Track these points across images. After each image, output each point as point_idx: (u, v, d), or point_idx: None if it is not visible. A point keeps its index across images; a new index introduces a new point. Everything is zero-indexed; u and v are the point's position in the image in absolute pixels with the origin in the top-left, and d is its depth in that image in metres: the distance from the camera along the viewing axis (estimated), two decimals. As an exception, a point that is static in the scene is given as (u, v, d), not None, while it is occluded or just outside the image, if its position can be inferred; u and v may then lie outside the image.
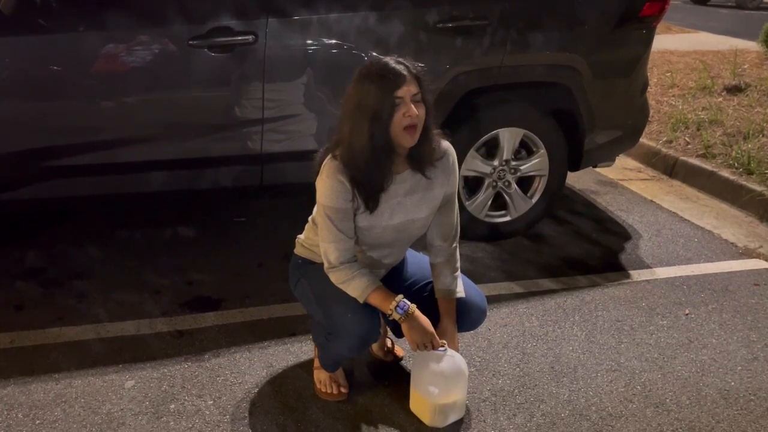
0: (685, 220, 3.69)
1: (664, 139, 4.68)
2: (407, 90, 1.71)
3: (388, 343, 2.33)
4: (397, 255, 2.05)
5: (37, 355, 2.25)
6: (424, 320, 1.84)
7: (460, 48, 2.86)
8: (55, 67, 2.41)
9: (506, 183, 3.19)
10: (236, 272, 2.86)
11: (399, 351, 2.33)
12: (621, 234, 3.47)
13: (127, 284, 2.72)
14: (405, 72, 1.71)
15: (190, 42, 2.47)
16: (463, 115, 2.98)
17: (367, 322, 1.85)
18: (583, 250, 3.26)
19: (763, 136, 4.55)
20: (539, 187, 3.27)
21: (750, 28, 9.47)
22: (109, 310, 2.53)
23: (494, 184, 3.18)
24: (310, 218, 2.02)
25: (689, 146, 4.50)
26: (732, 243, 3.41)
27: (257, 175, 2.76)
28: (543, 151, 3.18)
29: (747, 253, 3.31)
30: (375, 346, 2.31)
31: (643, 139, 4.39)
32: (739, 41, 8.56)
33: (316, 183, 1.84)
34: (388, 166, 1.80)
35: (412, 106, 1.71)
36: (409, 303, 1.83)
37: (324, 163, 1.82)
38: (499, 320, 2.59)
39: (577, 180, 4.16)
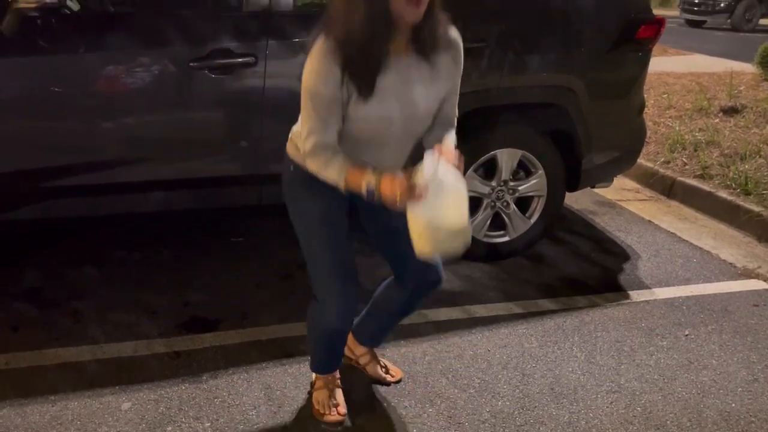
0: (684, 240, 3.69)
1: (662, 159, 4.70)
2: None
3: (386, 364, 2.32)
4: (394, 157, 1.82)
5: (33, 376, 2.24)
6: (394, 178, 1.64)
7: (458, 70, 2.87)
8: (57, 88, 2.42)
9: (505, 203, 3.20)
10: (234, 292, 2.85)
11: (397, 373, 2.32)
12: (620, 254, 3.47)
13: (124, 305, 2.71)
14: None
15: (191, 63, 2.48)
16: (461, 136, 2.98)
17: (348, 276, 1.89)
18: (582, 270, 3.26)
19: (760, 156, 4.57)
20: (538, 207, 3.28)
21: (745, 50, 9.56)
22: (105, 330, 2.52)
23: (493, 204, 3.19)
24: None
25: (687, 167, 4.52)
26: (731, 263, 3.41)
27: (256, 195, 2.76)
28: (541, 171, 3.19)
29: (746, 274, 3.30)
30: (371, 369, 2.30)
31: (640, 160, 4.40)
32: (734, 63, 8.64)
33: (305, 67, 1.67)
34: (387, 40, 1.63)
35: None
36: (373, 180, 1.65)
37: (315, 45, 1.65)
38: (498, 341, 2.58)
39: (575, 200, 4.17)
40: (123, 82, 2.47)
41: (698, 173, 4.38)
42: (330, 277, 1.90)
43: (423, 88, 1.73)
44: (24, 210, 2.54)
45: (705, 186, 4.20)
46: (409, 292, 2.05)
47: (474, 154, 3.06)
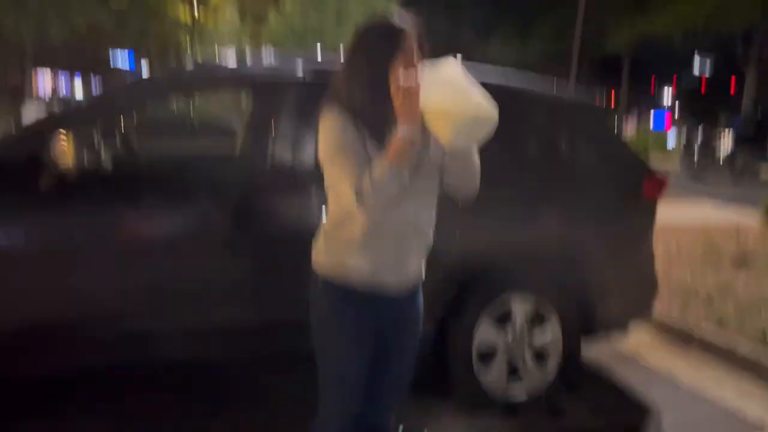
0: (706, 395, 3.58)
1: (677, 310, 4.67)
2: (409, 40, 1.77)
3: None
4: (416, 212, 1.90)
5: None
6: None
7: (471, 221, 2.96)
8: (84, 241, 2.55)
9: (520, 353, 3.16)
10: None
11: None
12: (640, 409, 3.35)
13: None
14: (407, 25, 1.78)
15: (213, 216, 2.61)
16: (475, 286, 3.04)
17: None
18: (601, 425, 3.14)
19: (775, 309, 4.54)
20: (554, 357, 3.23)
21: (748, 201, 9.79)
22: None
23: (508, 354, 3.15)
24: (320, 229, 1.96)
25: (702, 318, 4.48)
26: (755, 423, 3.27)
27: (274, 343, 2.79)
28: (556, 321, 3.19)
29: (774, 433, 3.16)
30: None
31: (655, 310, 4.38)
32: (738, 214, 8.82)
33: (319, 134, 1.81)
34: (388, 105, 1.75)
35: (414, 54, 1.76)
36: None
37: (323, 115, 1.81)
38: (519, 507, 2.44)
39: (592, 350, 4.10)
40: (150, 235, 2.60)
41: (715, 325, 4.33)
42: (337, 394, 1.94)
43: (430, 140, 1.85)
44: (40, 363, 2.56)
45: (723, 338, 4.13)
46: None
47: (488, 303, 3.09)
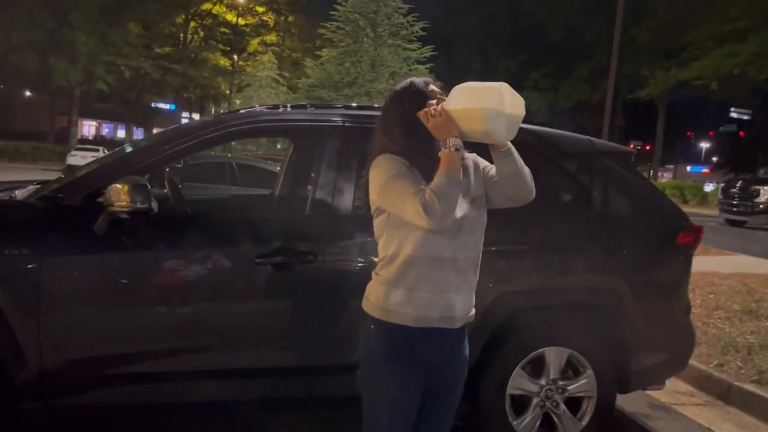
0: (747, 451, 3.48)
1: (715, 362, 4.57)
2: (435, 87, 2.01)
3: None
4: (456, 249, 1.99)
5: None
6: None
7: (504, 269, 3.02)
8: (132, 281, 2.67)
9: (554, 403, 3.13)
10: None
11: None
12: (679, 464, 3.27)
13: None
14: (431, 79, 2.05)
15: (257, 260, 2.70)
16: (509, 334, 3.05)
17: None
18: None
19: (818, 363, 4.40)
20: (588, 408, 3.19)
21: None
22: None
23: (542, 404, 3.12)
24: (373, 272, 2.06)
25: (742, 371, 4.37)
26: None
27: (311, 387, 2.84)
28: (590, 371, 3.16)
29: (821, 493, 3.05)
30: None
31: (693, 362, 4.29)
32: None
33: (371, 179, 1.97)
34: (431, 146, 1.95)
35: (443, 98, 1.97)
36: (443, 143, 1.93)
37: (373, 162, 1.98)
38: None
39: (627, 402, 4.02)
40: (193, 275, 2.70)
41: (755, 378, 4.22)
42: None
43: (473, 177, 2.06)
44: (85, 396, 2.65)
45: (764, 392, 4.02)
46: None
47: (522, 352, 3.08)
